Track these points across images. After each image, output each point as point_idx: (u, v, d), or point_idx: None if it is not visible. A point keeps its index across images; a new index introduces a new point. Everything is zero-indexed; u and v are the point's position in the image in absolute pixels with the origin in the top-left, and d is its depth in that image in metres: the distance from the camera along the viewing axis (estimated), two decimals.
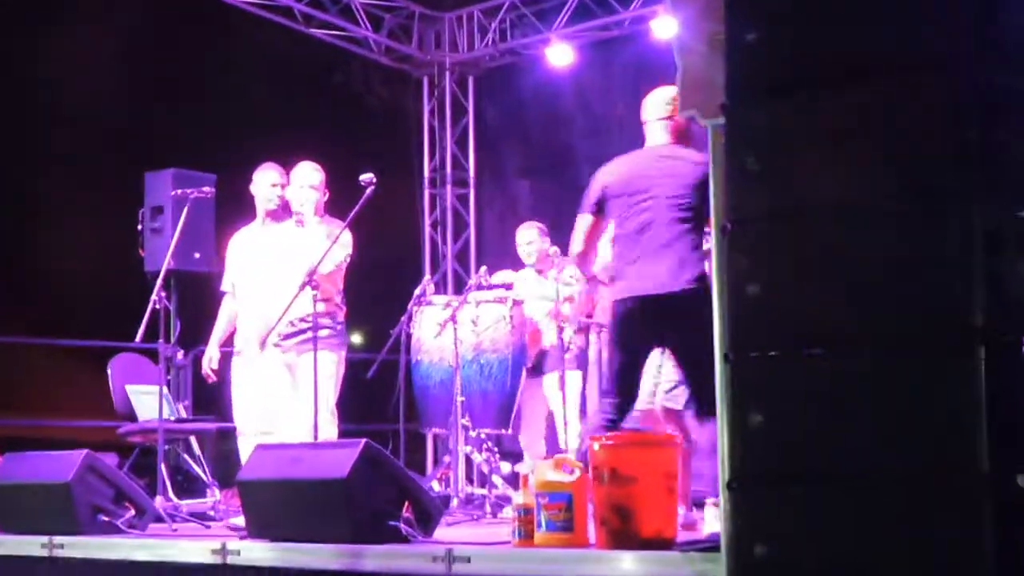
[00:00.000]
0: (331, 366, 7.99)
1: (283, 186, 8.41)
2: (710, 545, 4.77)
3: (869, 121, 3.70)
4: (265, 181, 8.47)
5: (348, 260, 8.16)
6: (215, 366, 8.53)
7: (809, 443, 3.69)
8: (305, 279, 7.71)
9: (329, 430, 7.85)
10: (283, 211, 8.41)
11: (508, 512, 6.99)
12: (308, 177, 8.21)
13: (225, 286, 8.64)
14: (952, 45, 3.60)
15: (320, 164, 8.34)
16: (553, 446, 9.50)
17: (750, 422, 3.75)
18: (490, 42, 13.76)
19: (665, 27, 11.37)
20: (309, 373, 7.75)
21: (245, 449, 8.24)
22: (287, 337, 8.01)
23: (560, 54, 12.92)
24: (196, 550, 6.48)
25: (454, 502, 8.42)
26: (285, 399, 8.03)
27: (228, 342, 8.68)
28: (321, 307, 7.91)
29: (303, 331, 7.96)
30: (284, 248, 8.18)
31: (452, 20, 14.09)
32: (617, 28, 12.77)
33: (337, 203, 8.30)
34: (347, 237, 8.04)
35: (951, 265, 3.50)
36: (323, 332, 7.94)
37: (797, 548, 3.70)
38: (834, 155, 3.74)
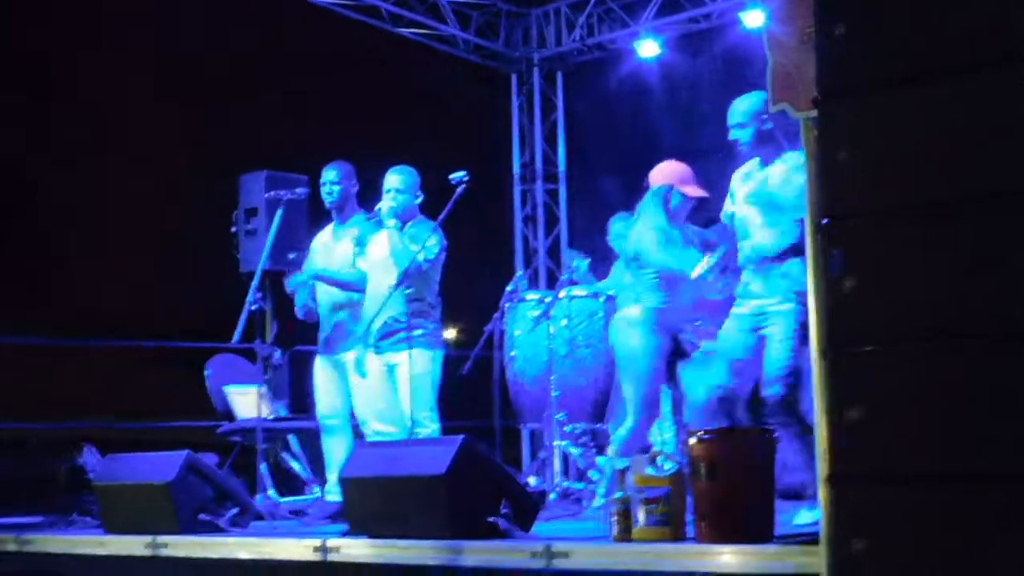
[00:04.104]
0: (425, 363, 8.05)
1: (332, 183, 8.52)
2: (809, 538, 4.77)
3: (965, 114, 3.68)
4: (321, 180, 8.62)
5: (441, 259, 8.19)
6: None
7: (909, 438, 3.67)
8: (398, 281, 7.81)
9: (428, 427, 7.93)
10: (340, 209, 8.54)
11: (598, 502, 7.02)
12: (386, 181, 8.30)
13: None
14: None
15: (411, 163, 8.40)
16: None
17: (849, 417, 3.75)
18: (578, 37, 13.75)
19: (754, 19, 11.34)
20: (404, 370, 7.86)
21: (331, 447, 8.39)
22: (383, 338, 8.09)
23: (648, 47, 12.90)
24: (297, 548, 6.54)
25: (551, 497, 8.45)
26: (386, 399, 8.11)
27: (311, 340, 8.86)
28: (414, 307, 7.99)
29: (396, 331, 8.03)
30: (367, 250, 8.29)
31: (539, 16, 14.10)
32: (705, 21, 12.73)
33: (429, 202, 8.35)
34: (433, 239, 8.08)
35: None
36: (416, 332, 8.00)
37: (896, 544, 3.69)
38: (929, 148, 3.73)
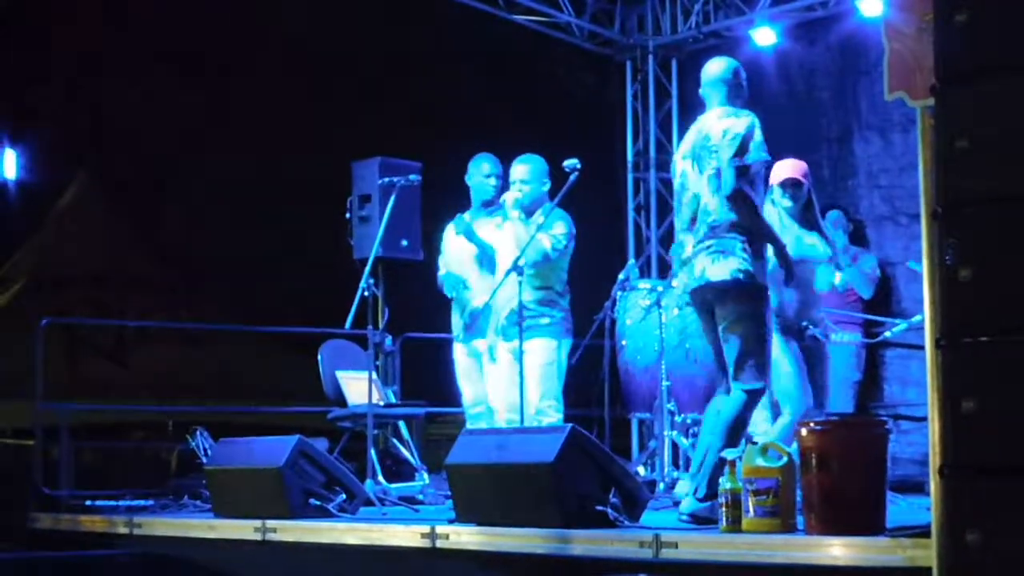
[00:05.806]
0: (550, 353, 8.04)
1: (497, 175, 8.52)
2: (920, 531, 4.71)
3: None
4: (479, 171, 8.58)
5: (570, 248, 8.17)
6: None
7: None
8: (510, 269, 7.78)
9: (552, 417, 7.91)
10: (492, 201, 8.54)
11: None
12: (513, 172, 8.28)
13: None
14: None
15: (524, 150, 8.38)
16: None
17: (963, 408, 3.70)
18: (693, 24, 13.64)
19: (872, 6, 11.19)
20: (528, 359, 7.82)
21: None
22: (511, 326, 8.07)
23: (764, 35, 12.77)
24: (406, 534, 6.58)
25: (660, 487, 8.41)
26: (515, 387, 8.08)
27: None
28: (541, 295, 7.99)
29: (523, 320, 7.98)
30: (499, 240, 8.28)
31: (655, 3, 13.99)
32: (822, 8, 12.57)
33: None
34: (561, 227, 8.07)
35: None
36: (543, 320, 8.01)
37: (1010, 536, 3.64)
38: None
